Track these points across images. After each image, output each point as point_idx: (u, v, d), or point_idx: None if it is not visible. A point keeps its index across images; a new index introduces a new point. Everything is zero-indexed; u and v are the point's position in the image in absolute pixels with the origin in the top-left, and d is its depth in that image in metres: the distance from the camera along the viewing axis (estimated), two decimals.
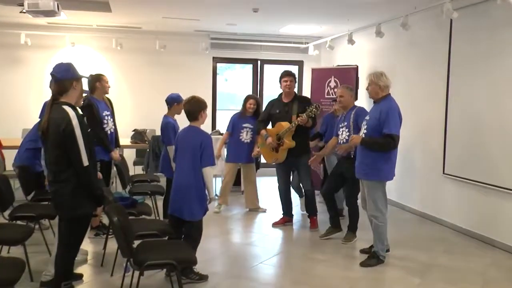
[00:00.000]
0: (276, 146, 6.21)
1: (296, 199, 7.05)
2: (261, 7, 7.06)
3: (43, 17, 6.05)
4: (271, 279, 4.87)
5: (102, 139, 5.46)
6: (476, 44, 6.00)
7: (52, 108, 3.59)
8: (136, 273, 3.63)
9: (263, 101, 10.02)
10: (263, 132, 6.34)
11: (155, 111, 7.14)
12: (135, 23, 8.82)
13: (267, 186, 8.94)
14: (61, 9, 5.60)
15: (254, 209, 7.28)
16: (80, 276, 4.44)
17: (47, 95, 3.90)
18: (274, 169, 6.61)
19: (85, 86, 5.25)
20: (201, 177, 4.33)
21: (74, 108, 3.63)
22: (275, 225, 6.50)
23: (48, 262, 4.36)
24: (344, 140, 5.57)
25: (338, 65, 8.67)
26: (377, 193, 4.97)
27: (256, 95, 7.46)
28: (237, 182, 7.81)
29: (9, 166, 6.82)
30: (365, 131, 4.97)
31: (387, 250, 5.24)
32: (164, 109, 5.95)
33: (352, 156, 5.47)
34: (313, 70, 8.63)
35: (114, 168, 6.07)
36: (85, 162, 3.54)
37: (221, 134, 8.18)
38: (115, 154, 5.68)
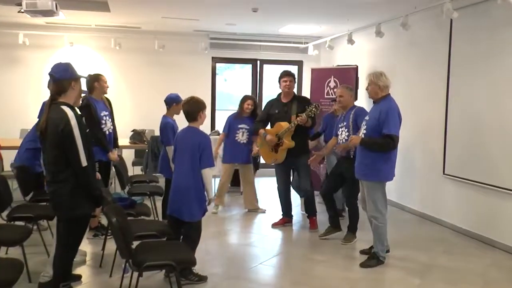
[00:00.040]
0: (276, 146, 6.18)
1: (296, 200, 7.03)
2: (260, 7, 7.04)
3: (41, 16, 6.02)
4: (271, 280, 4.86)
5: (100, 140, 5.44)
6: (476, 44, 5.98)
7: (50, 108, 3.58)
8: (135, 274, 3.61)
9: (262, 101, 10.03)
10: (261, 131, 6.32)
11: (154, 111, 7.12)
12: (134, 23, 8.80)
13: (267, 187, 8.91)
14: (59, 9, 5.58)
15: (253, 209, 7.27)
16: (78, 277, 4.42)
17: (46, 95, 3.89)
18: (273, 169, 6.58)
19: (84, 86, 5.24)
20: (200, 178, 4.32)
21: (72, 108, 3.62)
22: (274, 225, 6.48)
23: (46, 263, 4.34)
24: (344, 140, 5.56)
25: (338, 65, 8.65)
26: (376, 194, 4.96)
27: (253, 96, 7.43)
28: (236, 183, 7.80)
29: (7, 166, 6.81)
30: (364, 131, 4.96)
31: (387, 251, 5.23)
32: (163, 109, 5.93)
33: (351, 156, 5.46)
34: (313, 70, 8.61)
35: (113, 169, 6.05)
36: (84, 163, 3.53)
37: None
38: (113, 154, 5.65)
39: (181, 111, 4.64)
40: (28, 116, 7.85)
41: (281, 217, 6.60)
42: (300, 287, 4.54)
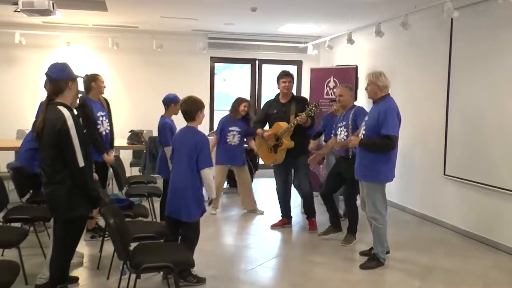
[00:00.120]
0: (275, 147, 6.14)
1: (295, 201, 6.99)
2: (259, 6, 7.01)
3: (38, 16, 5.98)
4: (269, 282, 4.84)
5: (96, 140, 5.39)
6: (476, 44, 5.97)
7: (47, 109, 3.57)
8: (133, 276, 3.60)
9: (261, 101, 10.01)
10: (259, 131, 6.27)
11: (152, 111, 7.08)
12: (131, 22, 8.76)
13: (266, 188, 8.87)
14: (56, 8, 5.55)
15: (252, 210, 7.23)
16: (75, 279, 4.40)
17: (42, 95, 3.87)
18: (272, 170, 6.53)
19: (81, 86, 5.20)
20: (197, 177, 4.31)
21: (69, 108, 3.60)
22: (273, 227, 6.45)
23: (43, 265, 4.32)
24: (342, 140, 5.54)
25: (338, 65, 8.62)
26: (376, 195, 4.94)
27: (248, 99, 7.37)
28: (235, 184, 7.76)
29: (3, 167, 6.77)
30: (363, 131, 4.94)
31: (387, 252, 5.21)
32: (161, 110, 5.90)
33: (350, 157, 5.45)
34: (312, 70, 8.59)
35: (111, 170, 6.02)
36: (81, 163, 3.52)
37: None
38: (108, 156, 5.60)
39: (179, 111, 4.62)
40: (25, 117, 7.83)
41: (280, 218, 6.56)
42: None
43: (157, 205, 6.12)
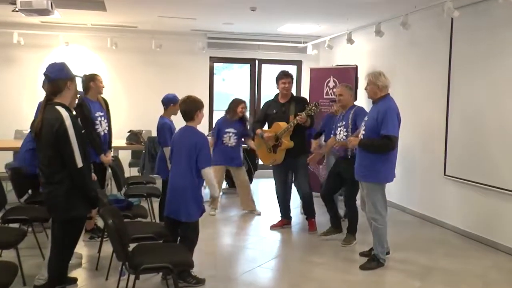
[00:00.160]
0: (274, 147, 6.11)
1: (295, 201, 6.97)
2: (258, 5, 6.98)
3: (36, 16, 5.97)
4: (269, 283, 4.82)
5: (94, 140, 5.36)
6: (477, 44, 5.95)
7: (45, 109, 3.56)
8: (132, 277, 3.59)
9: (260, 101, 9.98)
10: (258, 131, 6.25)
11: (151, 111, 7.05)
12: (130, 22, 8.74)
13: (266, 188, 8.86)
14: (54, 8, 5.54)
15: (251, 211, 7.22)
16: (74, 280, 4.37)
17: (41, 95, 3.86)
18: (272, 171, 6.51)
19: (79, 86, 5.18)
20: (197, 178, 4.30)
21: (67, 108, 3.60)
22: (273, 227, 6.43)
23: (41, 265, 4.31)
24: (341, 140, 5.52)
25: (337, 65, 8.60)
26: (376, 196, 4.92)
27: (245, 100, 7.34)
28: (235, 184, 7.74)
29: (1, 168, 6.74)
30: (363, 132, 4.93)
31: (387, 253, 5.19)
32: (160, 110, 5.88)
33: (349, 157, 5.43)
34: (312, 70, 8.58)
35: (110, 170, 5.99)
36: (79, 163, 3.51)
37: None
38: (106, 157, 5.57)
39: (179, 112, 4.61)
40: (23, 117, 7.80)
41: (279, 219, 6.53)
42: None
43: (156, 206, 6.11)
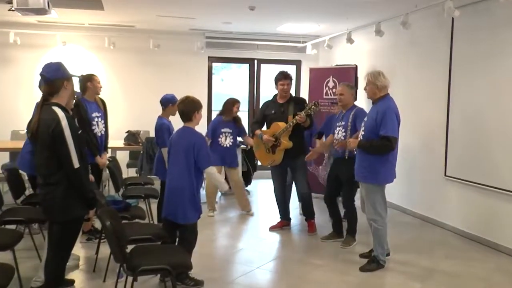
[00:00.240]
0: (273, 147, 6.07)
1: (294, 202, 6.93)
2: (257, 5, 6.95)
3: (33, 15, 5.91)
4: (267, 285, 4.81)
5: (90, 141, 5.32)
6: (477, 44, 5.94)
7: (42, 109, 3.54)
8: (130, 278, 3.56)
9: (259, 102, 9.95)
10: (257, 132, 6.20)
11: (149, 112, 7.01)
12: (128, 21, 8.70)
13: (265, 189, 8.82)
14: (51, 7, 5.49)
15: (246, 211, 7.20)
16: (71, 282, 4.35)
17: (37, 96, 3.84)
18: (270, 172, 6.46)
19: (77, 86, 5.13)
20: (195, 179, 4.28)
21: (64, 109, 3.57)
22: (272, 229, 6.39)
23: (38, 267, 4.32)
24: (340, 140, 5.49)
25: (337, 65, 8.58)
26: (375, 197, 4.90)
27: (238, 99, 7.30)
28: None
29: None
30: (363, 132, 4.91)
31: (388, 254, 5.17)
32: (158, 110, 5.86)
33: (346, 157, 5.43)
34: (311, 70, 8.55)
35: (107, 171, 5.95)
36: (76, 164, 3.48)
37: None
38: (101, 159, 5.52)
39: (177, 112, 4.57)
40: (19, 118, 7.76)
41: (278, 220, 6.50)
42: None
43: (154, 207, 6.08)
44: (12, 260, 4.00)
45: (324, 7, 7.07)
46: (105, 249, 4.49)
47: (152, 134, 6.33)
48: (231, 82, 12.38)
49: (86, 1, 6.93)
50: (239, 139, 7.27)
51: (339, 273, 4.94)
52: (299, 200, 6.45)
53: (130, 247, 3.82)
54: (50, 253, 3.79)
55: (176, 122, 4.97)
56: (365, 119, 4.99)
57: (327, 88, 7.98)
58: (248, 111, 10.42)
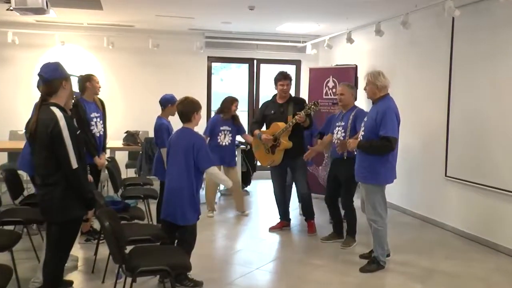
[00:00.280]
0: (272, 147, 6.05)
1: (294, 203, 6.91)
2: (257, 4, 6.93)
3: (31, 14, 5.89)
4: (267, 286, 4.80)
5: (89, 141, 5.30)
6: (478, 43, 5.92)
7: (40, 110, 3.52)
8: (129, 279, 3.56)
9: (259, 102, 9.92)
10: (256, 132, 6.18)
11: (148, 112, 7.00)
12: (127, 21, 8.67)
13: (264, 190, 8.80)
14: (50, 7, 5.45)
15: (241, 212, 7.19)
16: (70, 283, 4.35)
17: (36, 96, 3.82)
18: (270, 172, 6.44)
19: (76, 87, 5.11)
20: (194, 179, 4.26)
21: (62, 109, 3.55)
22: (272, 229, 6.37)
23: (36, 268, 4.30)
24: (338, 141, 5.49)
25: (337, 65, 8.56)
26: (375, 197, 4.88)
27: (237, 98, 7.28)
28: None
29: None
30: (362, 133, 4.90)
31: (388, 255, 5.16)
32: (158, 110, 5.84)
33: (345, 158, 5.41)
34: (311, 70, 8.52)
35: (106, 171, 5.93)
36: (74, 165, 3.46)
37: None
38: (99, 160, 5.51)
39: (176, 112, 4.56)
40: (18, 118, 7.73)
41: (278, 220, 6.48)
42: None
43: (153, 207, 6.06)
44: (10, 261, 4.01)
45: (324, 7, 7.05)
46: (104, 250, 4.50)
47: (151, 134, 6.31)
48: (230, 82, 12.37)
49: (84, 1, 6.91)
50: (238, 139, 7.24)
51: (339, 273, 4.92)
52: (299, 201, 6.43)
53: (129, 248, 3.81)
54: (48, 254, 3.76)
55: (176, 122, 4.95)
56: (365, 119, 4.97)
57: (327, 88, 7.95)
58: (248, 111, 10.40)
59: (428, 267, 5.12)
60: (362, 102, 6.92)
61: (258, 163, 7.52)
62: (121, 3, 7.14)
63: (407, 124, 6.03)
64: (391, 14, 6.95)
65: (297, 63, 10.59)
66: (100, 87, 5.71)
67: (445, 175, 6.47)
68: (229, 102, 6.94)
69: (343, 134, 5.47)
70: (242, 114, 8.28)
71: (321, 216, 6.57)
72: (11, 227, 4.68)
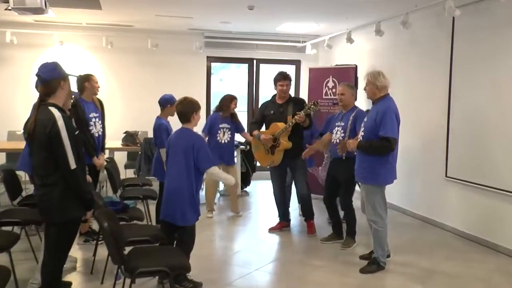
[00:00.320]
0: (272, 148, 6.03)
1: (294, 203, 6.90)
2: (256, 4, 6.91)
3: (30, 14, 5.87)
4: (267, 287, 4.79)
5: (86, 142, 5.27)
6: (478, 43, 5.91)
7: (38, 110, 3.50)
8: (128, 280, 3.58)
9: (259, 102, 9.90)
10: (255, 132, 6.16)
11: (147, 112, 6.98)
12: (126, 21, 8.66)
13: (264, 190, 8.78)
14: (48, 7, 5.43)
15: (236, 212, 7.19)
16: (68, 284, 4.35)
17: (34, 96, 3.80)
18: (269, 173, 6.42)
19: (74, 87, 5.09)
20: (194, 180, 4.25)
21: (60, 109, 3.53)
22: (271, 230, 6.35)
23: (35, 269, 4.30)
24: (338, 141, 5.48)
25: (337, 65, 8.54)
26: (375, 198, 4.87)
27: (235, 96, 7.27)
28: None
29: None
30: (362, 133, 4.89)
31: (388, 256, 5.15)
32: (157, 110, 5.82)
33: (344, 158, 5.40)
34: (311, 70, 8.50)
35: (105, 172, 5.92)
36: (72, 165, 3.43)
37: None
38: (98, 160, 5.49)
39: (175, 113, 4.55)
40: (16, 118, 7.70)
41: (278, 221, 6.46)
42: None
43: (152, 208, 6.04)
44: (8, 262, 4.01)
45: (324, 7, 7.04)
46: (102, 251, 4.49)
47: (150, 134, 6.29)
48: (230, 82, 12.34)
49: (83, 1, 6.89)
50: (238, 139, 7.22)
51: (339, 274, 4.92)
52: (299, 202, 6.42)
53: (128, 249, 3.80)
54: (47, 255, 3.74)
55: (175, 122, 4.93)
56: (365, 119, 4.96)
57: (326, 88, 7.93)
58: (247, 111, 10.38)
59: (428, 267, 5.11)
60: (362, 102, 6.89)
61: (258, 164, 7.49)
62: (120, 3, 7.12)
63: (407, 124, 6.01)
64: (391, 14, 6.93)
65: (297, 63, 10.57)
66: (99, 87, 5.70)
67: (446, 176, 6.45)
68: (228, 100, 6.92)
69: (342, 135, 5.46)
70: (242, 114, 8.25)
71: (321, 217, 6.56)
72: (9, 228, 4.67)
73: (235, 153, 7.73)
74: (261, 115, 6.26)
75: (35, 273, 4.17)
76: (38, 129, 3.42)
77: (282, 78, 6.03)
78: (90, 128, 5.43)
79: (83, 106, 5.37)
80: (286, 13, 7.65)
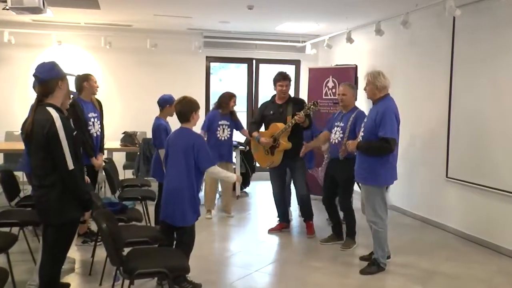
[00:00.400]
0: (272, 148, 6.00)
1: (294, 204, 6.86)
2: (256, 4, 6.89)
3: (28, 14, 5.86)
4: None
5: (86, 142, 5.26)
6: (479, 43, 5.89)
7: (36, 110, 3.48)
8: (126, 282, 3.56)
9: (258, 102, 9.88)
10: (254, 134, 6.14)
11: (146, 112, 6.97)
12: (125, 20, 8.64)
13: (263, 191, 8.76)
14: (47, 6, 5.41)
15: (228, 212, 7.16)
16: (67, 286, 4.34)
17: (32, 96, 3.79)
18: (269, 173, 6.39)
19: (73, 86, 5.06)
20: (194, 180, 4.23)
21: (58, 109, 3.51)
22: (271, 231, 6.34)
23: (33, 271, 4.30)
24: (336, 141, 5.48)
25: (337, 65, 8.52)
26: (375, 199, 4.85)
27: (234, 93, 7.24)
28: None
29: None
30: (362, 133, 4.88)
31: (388, 257, 5.13)
32: (156, 111, 5.79)
33: (342, 158, 5.38)
34: (311, 70, 8.48)
35: (103, 172, 5.89)
36: (70, 166, 3.42)
37: None
38: (97, 161, 5.48)
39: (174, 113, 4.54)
40: (14, 118, 7.66)
41: (277, 222, 6.44)
42: None
43: (151, 209, 6.01)
44: (6, 264, 4.01)
45: (324, 6, 7.03)
46: (101, 252, 4.49)
47: (149, 135, 6.27)
48: (229, 82, 12.33)
49: (82, 0, 6.87)
50: (238, 139, 7.19)
51: (339, 275, 4.90)
52: (298, 203, 6.39)
53: (126, 250, 3.79)
54: (45, 256, 3.72)
55: (174, 123, 4.91)
56: (365, 119, 4.95)
57: (326, 88, 7.90)
58: (247, 111, 10.36)
59: (429, 268, 5.10)
60: (362, 102, 6.87)
61: (257, 164, 7.46)
62: (119, 3, 7.11)
63: (407, 124, 5.99)
64: (391, 14, 6.92)
65: (297, 63, 10.56)
66: (97, 87, 5.67)
67: (446, 176, 6.43)
68: (227, 97, 6.90)
69: (341, 135, 5.44)
70: (241, 114, 8.23)
71: (320, 218, 6.53)
72: (7, 229, 4.62)
73: (234, 153, 7.70)
74: (261, 115, 6.24)
75: (33, 275, 4.16)
76: (36, 129, 3.40)
77: (281, 78, 6.01)
78: (89, 128, 5.41)
79: (82, 106, 5.35)
80: (286, 12, 7.63)
